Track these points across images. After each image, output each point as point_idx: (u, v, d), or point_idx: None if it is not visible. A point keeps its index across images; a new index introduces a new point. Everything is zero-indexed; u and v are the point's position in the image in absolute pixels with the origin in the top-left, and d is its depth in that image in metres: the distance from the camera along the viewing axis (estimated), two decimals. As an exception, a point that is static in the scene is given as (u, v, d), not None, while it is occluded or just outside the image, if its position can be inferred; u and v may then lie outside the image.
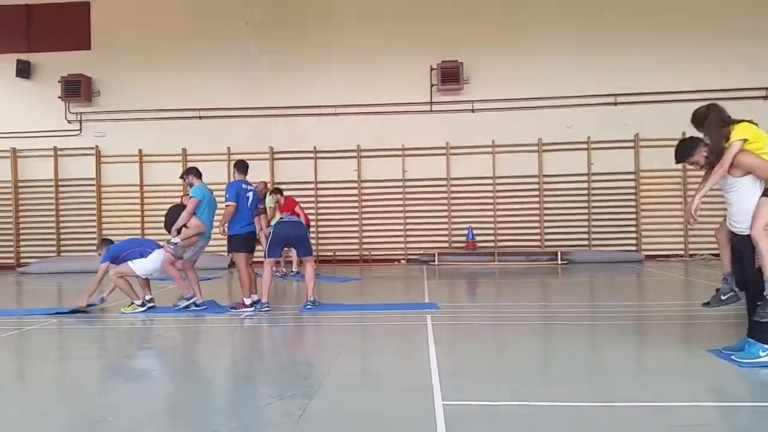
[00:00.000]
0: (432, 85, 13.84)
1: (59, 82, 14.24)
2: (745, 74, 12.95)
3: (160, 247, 7.54)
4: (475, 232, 13.57)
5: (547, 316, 7.02)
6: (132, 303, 7.46)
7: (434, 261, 13.35)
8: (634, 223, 13.46)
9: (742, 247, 4.54)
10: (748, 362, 4.32)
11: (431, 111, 14.00)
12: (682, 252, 13.15)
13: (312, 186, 14.25)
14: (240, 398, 4.04)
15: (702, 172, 4.77)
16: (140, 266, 7.40)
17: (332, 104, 14.03)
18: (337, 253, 14.15)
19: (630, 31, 13.32)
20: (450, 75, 13.50)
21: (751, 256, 4.49)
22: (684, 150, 4.66)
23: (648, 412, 3.52)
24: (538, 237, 13.68)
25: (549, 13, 13.52)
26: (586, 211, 13.57)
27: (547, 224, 13.65)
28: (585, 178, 13.55)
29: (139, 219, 14.29)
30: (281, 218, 7.79)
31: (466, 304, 8.49)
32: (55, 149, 14.54)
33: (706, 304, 4.86)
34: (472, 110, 13.84)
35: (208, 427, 3.38)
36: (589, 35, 13.42)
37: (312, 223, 14.17)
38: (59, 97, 14.33)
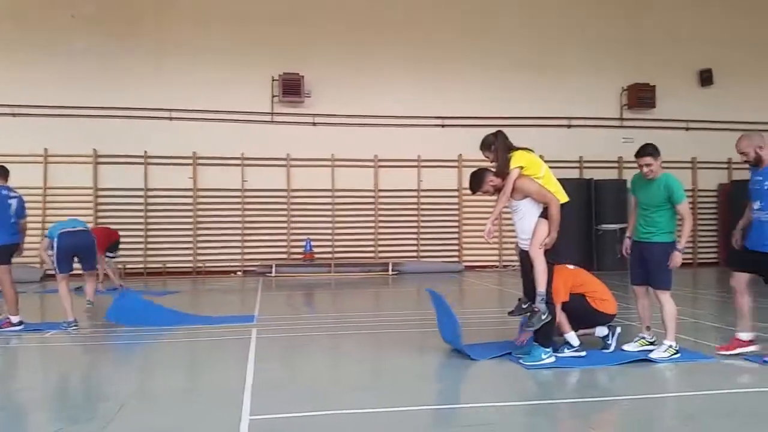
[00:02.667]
0: (273, 96, 13.86)
1: None
2: (549, 104, 14.68)
3: None
4: (313, 243, 13.78)
5: (373, 326, 7.39)
6: None
7: (271, 272, 13.31)
8: (456, 236, 14.60)
9: (527, 262, 5.19)
10: (532, 364, 4.94)
11: (272, 122, 14.00)
12: (497, 263, 14.53)
13: (141, 193, 13.49)
14: (25, 427, 3.77)
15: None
16: None
17: (167, 107, 13.44)
18: (168, 265, 13.52)
19: (456, 59, 14.45)
20: (292, 87, 13.64)
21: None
22: (476, 182, 5.17)
23: (431, 414, 3.90)
24: (372, 248, 14.26)
25: (389, 34, 14.21)
26: (416, 224, 14.44)
27: (380, 236, 14.30)
28: (415, 194, 14.43)
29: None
30: (63, 228, 7.26)
31: (293, 315, 8.62)
32: None
33: (511, 313, 5.38)
34: (314, 123, 14.09)
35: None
36: (422, 58, 14.33)
37: (141, 233, 13.44)
38: None
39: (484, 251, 14.38)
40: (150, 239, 13.50)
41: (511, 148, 5.11)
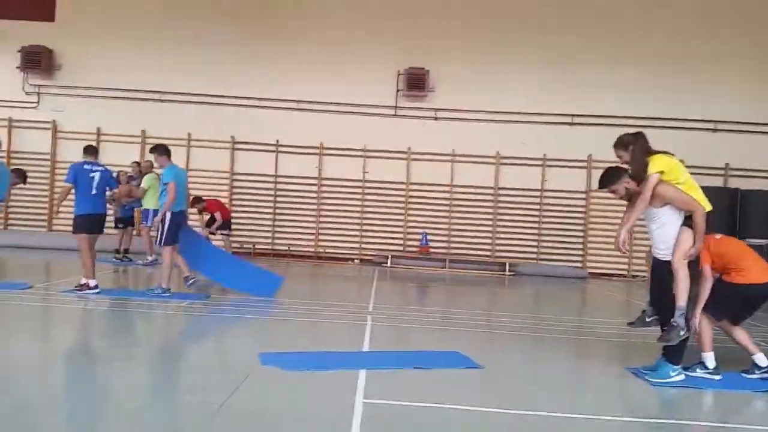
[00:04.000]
0: (398, 90, 14.03)
1: (19, 51, 13.89)
2: (697, 104, 13.50)
3: None
4: (429, 238, 13.81)
5: (487, 326, 7.26)
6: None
7: (387, 263, 13.53)
8: (581, 240, 13.92)
9: (661, 273, 4.81)
10: (659, 381, 4.61)
11: (395, 115, 14.17)
12: (625, 272, 13.67)
13: (272, 180, 14.26)
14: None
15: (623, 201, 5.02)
16: None
17: (297, 98, 14.07)
18: (292, 249, 14.21)
19: (591, 54, 13.74)
20: (416, 81, 13.71)
21: (670, 282, 4.75)
22: (609, 177, 4.84)
23: (556, 423, 3.75)
24: (489, 247, 14.01)
25: (514, 30, 13.84)
26: (536, 225, 13.96)
27: (498, 235, 14.00)
28: (538, 193, 13.95)
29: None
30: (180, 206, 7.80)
31: (407, 306, 8.69)
32: (10, 120, 14.16)
33: (631, 324, 5.11)
34: (435, 118, 14.08)
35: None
36: (551, 54, 13.77)
37: (269, 217, 14.25)
38: (18, 67, 13.98)
39: (611, 258, 13.59)
40: (278, 223, 14.25)
41: (650, 152, 4.76)
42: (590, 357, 5.54)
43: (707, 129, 13.71)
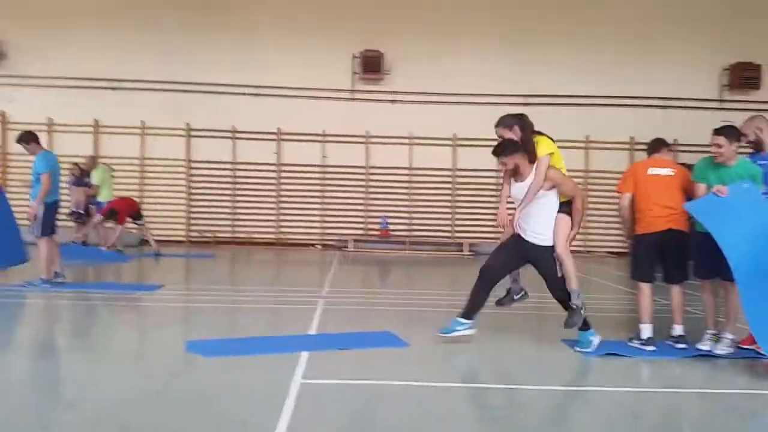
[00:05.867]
0: (354, 73, 14.02)
1: (-40, 40, 13.46)
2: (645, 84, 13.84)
3: None
4: (389, 221, 13.93)
5: (435, 304, 7.41)
6: None
7: (349, 247, 13.63)
8: (538, 219, 14.19)
9: (538, 255, 4.77)
10: (586, 351, 4.74)
11: (353, 99, 14.18)
12: (581, 248, 14.01)
13: (230, 167, 14.17)
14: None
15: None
16: None
17: (253, 84, 13.94)
18: (254, 236, 14.18)
19: (547, 35, 13.93)
20: (372, 64, 13.73)
21: (550, 264, 4.74)
22: (509, 147, 4.70)
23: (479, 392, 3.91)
24: (449, 228, 14.20)
25: (471, 10, 13.91)
26: (494, 205, 14.17)
27: (458, 216, 14.20)
28: (495, 173, 14.16)
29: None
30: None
31: (363, 290, 8.80)
32: (-47, 111, 13.75)
33: (500, 303, 5.14)
34: (392, 101, 14.13)
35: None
36: (509, 35, 13.93)
37: (229, 205, 14.17)
38: (-41, 56, 13.55)
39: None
40: (237, 211, 14.19)
41: (535, 133, 4.83)
42: (520, 331, 5.68)
43: (657, 106, 14.08)
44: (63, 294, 6.98)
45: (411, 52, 13.93)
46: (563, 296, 4.78)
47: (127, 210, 11.23)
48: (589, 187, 13.86)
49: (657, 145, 5.22)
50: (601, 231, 13.95)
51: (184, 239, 13.96)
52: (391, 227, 13.96)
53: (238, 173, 14.21)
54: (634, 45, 13.93)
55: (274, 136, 14.14)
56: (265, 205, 14.24)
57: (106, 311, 6.60)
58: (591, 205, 13.76)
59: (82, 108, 13.72)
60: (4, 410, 3.34)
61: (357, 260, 12.26)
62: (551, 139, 4.84)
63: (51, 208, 7.31)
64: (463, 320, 4.88)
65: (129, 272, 9.77)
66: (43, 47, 13.69)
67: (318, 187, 14.23)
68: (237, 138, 14.13)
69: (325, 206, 14.24)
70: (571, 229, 4.75)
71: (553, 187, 4.70)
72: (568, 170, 5.09)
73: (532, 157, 4.70)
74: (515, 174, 4.77)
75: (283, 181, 14.24)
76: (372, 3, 13.94)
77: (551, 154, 4.71)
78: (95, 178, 11.47)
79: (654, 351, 4.80)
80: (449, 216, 14.22)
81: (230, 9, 13.90)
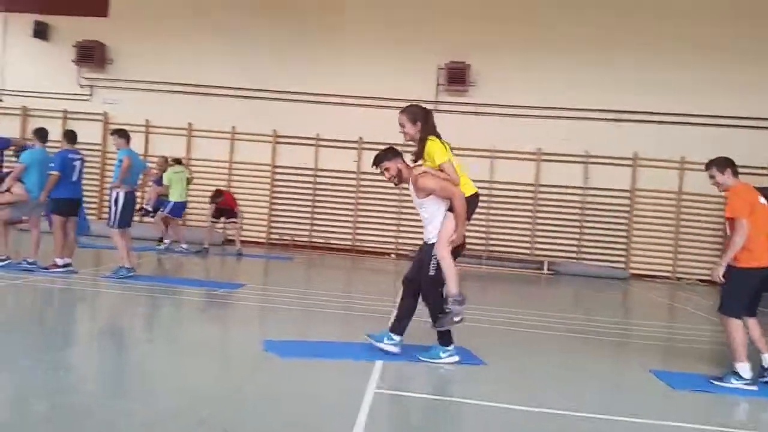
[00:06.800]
0: (439, 84, 13.94)
1: (74, 46, 14.51)
2: (746, 101, 12.89)
3: None
4: (466, 234, 13.64)
5: (509, 323, 7.16)
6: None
7: (423, 258, 13.47)
8: (624, 240, 13.52)
9: (424, 253, 4.74)
10: (428, 360, 4.57)
11: (436, 110, 14.01)
12: (669, 274, 13.21)
13: (311, 173, 14.43)
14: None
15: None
16: None
17: (337, 93, 14.16)
18: (330, 242, 14.34)
19: (636, 50, 13.29)
20: (457, 76, 13.60)
21: (426, 261, 4.64)
22: (385, 154, 4.82)
23: (554, 418, 3.67)
24: (528, 245, 13.78)
25: (558, 26, 13.53)
26: (578, 223, 13.64)
27: (538, 233, 13.75)
28: (580, 191, 13.63)
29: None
30: None
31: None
32: (65, 112, 14.81)
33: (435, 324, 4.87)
34: (476, 113, 13.93)
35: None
36: (596, 50, 13.42)
37: (308, 210, 14.42)
38: (73, 61, 14.60)
39: (655, 259, 13.19)
40: (316, 216, 14.42)
41: (432, 134, 4.68)
42: (615, 357, 5.39)
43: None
44: (147, 286, 7.30)
45: (497, 64, 13.69)
46: (432, 297, 4.57)
47: (230, 203, 12.05)
48: (682, 209, 13.07)
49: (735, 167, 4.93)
50: (692, 257, 13.10)
51: (264, 241, 14.35)
52: (469, 241, 13.65)
53: (319, 180, 14.45)
54: (728, 58, 13.01)
55: (355, 145, 14.29)
56: (343, 212, 14.39)
57: (191, 306, 6.82)
58: (682, 229, 13.03)
59: (177, 112, 14.45)
60: (85, 397, 3.47)
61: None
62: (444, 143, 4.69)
63: (129, 199, 7.81)
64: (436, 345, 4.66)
65: (214, 269, 10.12)
66: (144, 54, 14.55)
67: (396, 197, 14.22)
68: (320, 145, 14.39)
69: (401, 216, 14.20)
70: (455, 231, 4.54)
71: (428, 195, 4.58)
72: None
73: (421, 155, 4.66)
74: (400, 181, 4.74)
75: (361, 189, 14.34)
76: (459, 15, 13.84)
77: (448, 160, 4.58)
78: (165, 178, 11.94)
79: (757, 391, 4.42)
80: (529, 232, 13.79)
81: (320, 24, 14.22)
